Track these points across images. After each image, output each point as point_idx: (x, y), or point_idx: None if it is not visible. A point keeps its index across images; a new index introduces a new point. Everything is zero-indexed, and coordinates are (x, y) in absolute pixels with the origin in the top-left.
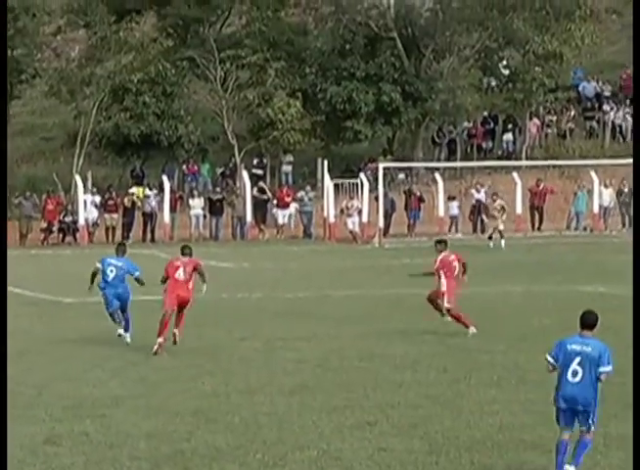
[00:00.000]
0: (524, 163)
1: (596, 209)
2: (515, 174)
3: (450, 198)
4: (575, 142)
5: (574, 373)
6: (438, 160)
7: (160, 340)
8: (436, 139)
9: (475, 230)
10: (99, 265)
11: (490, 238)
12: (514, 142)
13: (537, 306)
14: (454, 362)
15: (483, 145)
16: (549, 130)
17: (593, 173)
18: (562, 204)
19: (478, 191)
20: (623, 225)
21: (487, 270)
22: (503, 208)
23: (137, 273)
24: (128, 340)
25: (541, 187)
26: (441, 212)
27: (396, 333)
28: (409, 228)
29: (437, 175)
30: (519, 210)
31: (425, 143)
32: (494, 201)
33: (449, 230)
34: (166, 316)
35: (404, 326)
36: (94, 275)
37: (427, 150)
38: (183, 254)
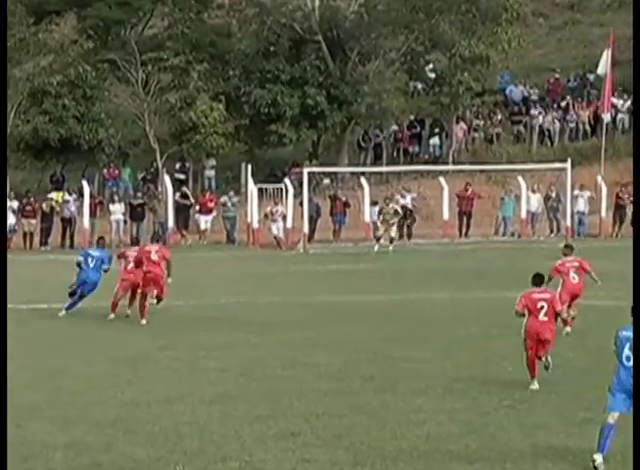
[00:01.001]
0: (450, 167)
1: (524, 214)
2: (442, 179)
3: (373, 203)
4: (503, 146)
5: (627, 358)
6: (364, 164)
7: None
8: (362, 143)
9: (401, 236)
10: (81, 258)
11: (391, 242)
12: (440, 146)
13: (464, 314)
14: (380, 371)
15: (410, 149)
16: (476, 134)
17: (520, 178)
18: (489, 209)
19: (403, 196)
20: (552, 231)
21: (414, 277)
22: (396, 212)
23: (107, 266)
24: (62, 313)
25: (469, 192)
26: (367, 218)
27: (321, 341)
28: (334, 234)
29: (363, 180)
30: (446, 215)
31: (350, 147)
32: (387, 205)
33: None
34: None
35: (329, 334)
36: (79, 265)
37: (352, 154)
38: (152, 241)
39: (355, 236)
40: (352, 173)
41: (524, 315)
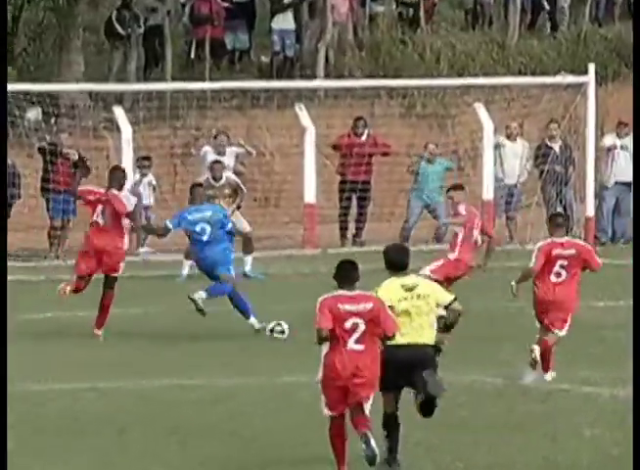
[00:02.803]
0: (321, 83)
1: (487, 191)
2: (301, 109)
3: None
4: (441, 35)
5: None
6: (122, 76)
7: None
8: (118, 27)
9: None
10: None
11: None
12: (298, 35)
13: None
14: None
15: (227, 42)
16: (379, 8)
17: (480, 106)
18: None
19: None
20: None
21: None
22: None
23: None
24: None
25: (363, 138)
26: None
27: None
28: (52, 236)
29: (120, 112)
30: (310, 193)
31: (91, 36)
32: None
33: None
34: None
35: None
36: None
37: (94, 53)
38: None
39: None
40: (94, 97)
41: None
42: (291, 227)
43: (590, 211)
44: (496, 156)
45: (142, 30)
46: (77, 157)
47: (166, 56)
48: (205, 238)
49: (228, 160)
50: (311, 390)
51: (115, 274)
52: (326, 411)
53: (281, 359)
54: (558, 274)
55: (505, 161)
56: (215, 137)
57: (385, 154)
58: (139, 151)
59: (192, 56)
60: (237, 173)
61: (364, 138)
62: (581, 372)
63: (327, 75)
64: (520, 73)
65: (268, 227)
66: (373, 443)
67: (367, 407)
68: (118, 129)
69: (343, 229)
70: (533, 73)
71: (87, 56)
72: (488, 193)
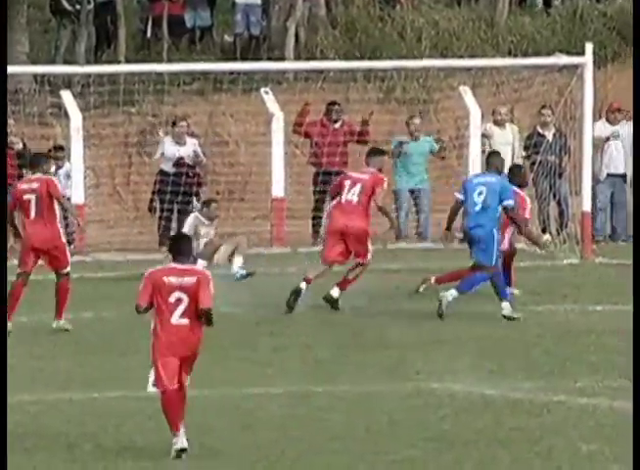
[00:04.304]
0: (290, 65)
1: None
2: (267, 93)
3: None
4: (422, 11)
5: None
6: (70, 57)
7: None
8: (65, 2)
9: None
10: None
11: None
12: (265, 12)
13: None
14: None
15: (187, 19)
16: None
17: (467, 91)
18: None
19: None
20: (545, 226)
21: None
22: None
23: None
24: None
25: (337, 124)
26: None
27: None
28: None
29: (68, 97)
30: (279, 186)
31: (36, 13)
32: None
33: None
34: None
35: None
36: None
37: (39, 32)
38: None
39: None
40: (41, 80)
41: None
42: (257, 223)
43: (587, 206)
44: (484, 144)
45: (92, 6)
46: (22, 145)
47: (119, 35)
48: None
49: (188, 150)
50: (279, 400)
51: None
52: (153, 388)
53: (242, 369)
54: None
55: (495, 147)
56: (174, 124)
57: (362, 141)
58: (90, 139)
59: (148, 35)
60: (196, 164)
61: (338, 125)
62: (578, 382)
63: (297, 56)
64: (510, 54)
65: (233, 223)
66: (182, 430)
67: (187, 377)
68: (67, 116)
69: (316, 226)
70: (525, 54)
71: (32, 35)
72: None
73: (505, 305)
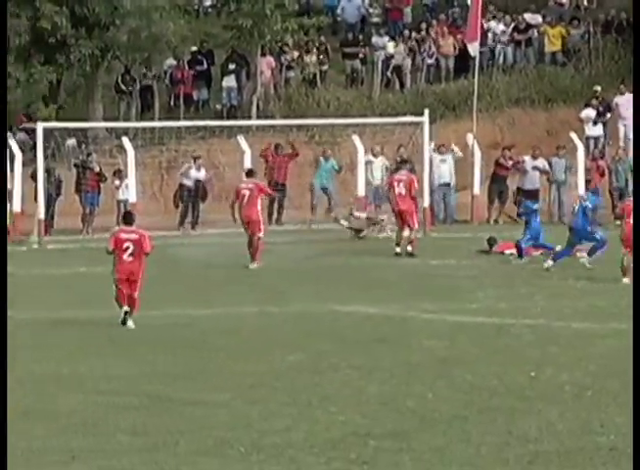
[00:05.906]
0: (254, 122)
1: (361, 189)
2: (241, 138)
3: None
4: (330, 91)
5: None
6: (127, 117)
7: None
8: (123, 86)
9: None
10: None
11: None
12: (239, 91)
13: (279, 334)
14: (153, 421)
15: (194, 95)
16: (291, 74)
17: (356, 137)
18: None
19: (198, 168)
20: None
21: (202, 283)
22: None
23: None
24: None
25: (278, 156)
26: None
27: (49, 377)
28: (84, 220)
29: (126, 141)
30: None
31: (107, 92)
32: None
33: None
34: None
35: (55, 366)
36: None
37: (109, 103)
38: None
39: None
40: (110, 131)
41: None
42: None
43: (427, 203)
44: (367, 167)
45: (138, 88)
46: (99, 169)
47: (155, 104)
48: None
49: (202, 174)
50: None
51: None
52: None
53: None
54: None
55: (373, 170)
56: (195, 160)
57: (293, 158)
58: (138, 165)
59: (172, 104)
60: (206, 181)
61: (281, 155)
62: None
63: (258, 117)
64: (380, 116)
65: (222, 212)
66: (131, 321)
67: (136, 295)
68: (125, 151)
69: (270, 214)
70: (389, 115)
71: (104, 104)
72: (361, 191)
73: None
